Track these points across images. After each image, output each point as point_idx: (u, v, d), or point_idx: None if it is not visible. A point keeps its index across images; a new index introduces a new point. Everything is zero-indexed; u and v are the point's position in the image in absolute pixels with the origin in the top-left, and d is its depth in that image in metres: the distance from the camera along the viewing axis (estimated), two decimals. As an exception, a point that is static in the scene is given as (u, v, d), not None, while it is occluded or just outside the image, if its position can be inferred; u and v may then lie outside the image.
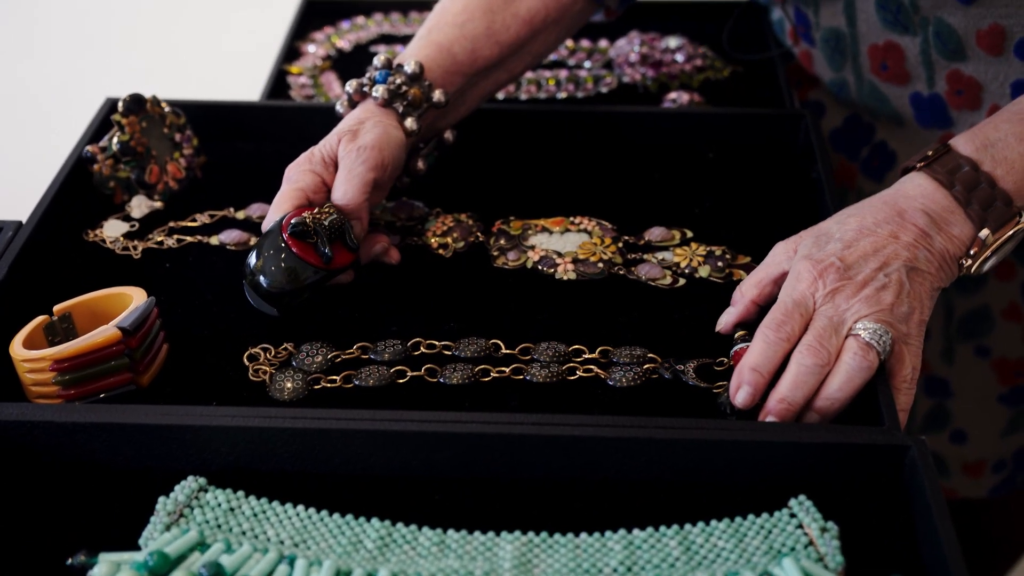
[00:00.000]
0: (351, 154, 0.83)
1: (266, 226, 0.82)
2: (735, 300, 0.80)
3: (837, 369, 0.72)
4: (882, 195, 0.79)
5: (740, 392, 0.73)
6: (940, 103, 0.99)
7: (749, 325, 0.79)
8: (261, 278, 0.79)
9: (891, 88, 1.01)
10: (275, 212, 0.82)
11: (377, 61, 0.89)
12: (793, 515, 0.66)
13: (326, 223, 0.80)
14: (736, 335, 0.78)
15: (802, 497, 0.66)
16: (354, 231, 0.82)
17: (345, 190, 0.82)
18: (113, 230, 0.92)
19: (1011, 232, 0.76)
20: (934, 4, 0.93)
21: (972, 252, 0.76)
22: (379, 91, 0.87)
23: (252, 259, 0.80)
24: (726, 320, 0.80)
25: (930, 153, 0.78)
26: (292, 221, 0.79)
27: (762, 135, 1.02)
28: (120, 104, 0.93)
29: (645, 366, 0.78)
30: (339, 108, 0.91)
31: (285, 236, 0.79)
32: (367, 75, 0.89)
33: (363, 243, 0.86)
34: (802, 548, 0.64)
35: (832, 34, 1.03)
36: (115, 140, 0.93)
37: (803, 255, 0.76)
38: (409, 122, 0.87)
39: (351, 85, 0.89)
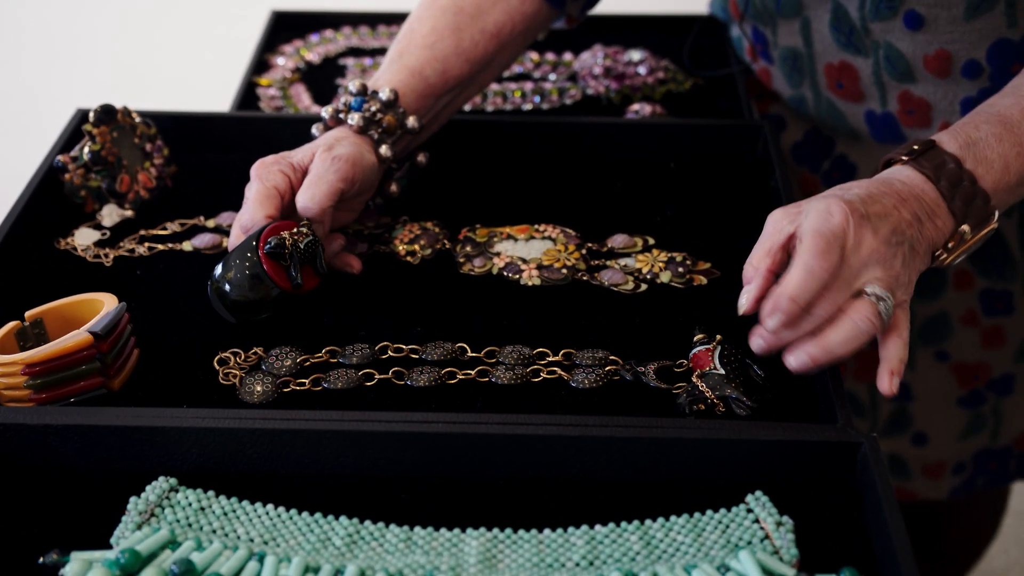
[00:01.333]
0: (324, 162, 0.85)
1: (240, 224, 0.83)
2: (748, 276, 0.76)
3: (843, 324, 0.72)
4: (877, 177, 0.79)
5: (772, 319, 0.72)
6: (893, 121, 1.02)
7: (706, 327, 0.81)
8: (227, 287, 0.80)
9: (847, 105, 1.04)
10: (252, 211, 0.83)
11: (352, 87, 0.90)
12: (750, 510, 0.68)
13: (302, 246, 0.81)
14: (696, 337, 0.80)
15: (758, 493, 0.68)
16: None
17: (313, 194, 0.83)
18: (84, 238, 0.93)
19: (986, 230, 0.78)
20: (883, 29, 0.96)
21: (949, 245, 0.78)
22: (354, 118, 0.89)
23: (220, 268, 0.81)
24: (749, 298, 0.75)
25: (916, 147, 0.79)
26: (270, 240, 0.80)
27: (722, 146, 1.05)
28: (91, 114, 0.95)
29: (607, 368, 0.80)
30: (315, 132, 0.92)
31: (260, 253, 0.80)
32: (342, 100, 0.91)
33: (333, 261, 0.88)
34: (758, 542, 0.66)
35: (790, 53, 1.06)
36: (86, 150, 0.94)
37: (827, 195, 0.75)
38: (384, 149, 0.89)
39: (327, 111, 0.90)
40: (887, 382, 0.74)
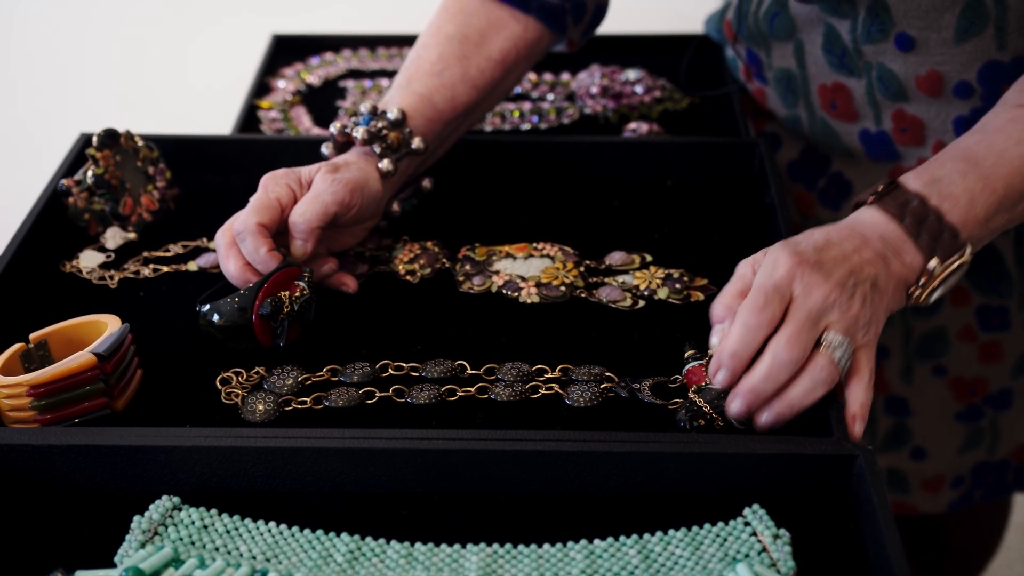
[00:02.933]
0: (324, 182, 0.86)
1: (232, 225, 0.84)
2: (718, 319, 0.78)
3: (803, 377, 0.73)
4: (840, 222, 0.81)
5: (719, 375, 0.74)
6: (887, 139, 1.03)
7: (703, 342, 0.82)
8: (214, 319, 0.81)
9: (841, 125, 1.05)
10: (245, 215, 0.84)
11: (363, 107, 0.92)
12: (747, 523, 0.69)
13: (297, 308, 0.82)
14: (687, 353, 0.81)
15: (756, 506, 0.69)
16: (296, 250, 0.85)
17: (305, 210, 0.85)
18: (89, 261, 0.94)
19: (957, 264, 0.79)
20: (875, 51, 0.97)
21: (921, 282, 0.79)
22: (359, 131, 0.90)
23: (207, 307, 0.82)
24: (717, 339, 0.78)
25: (880, 188, 0.81)
26: (266, 303, 0.80)
27: (718, 164, 1.06)
28: (95, 138, 0.96)
29: (603, 385, 0.80)
30: (324, 151, 0.94)
31: (255, 313, 0.81)
32: (351, 118, 0.93)
33: (328, 281, 0.89)
34: (756, 555, 0.66)
35: (784, 74, 1.07)
36: (90, 173, 0.95)
37: (778, 246, 0.77)
38: (384, 163, 0.90)
39: (335, 127, 0.92)
40: (851, 427, 0.75)
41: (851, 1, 0.95)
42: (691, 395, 0.77)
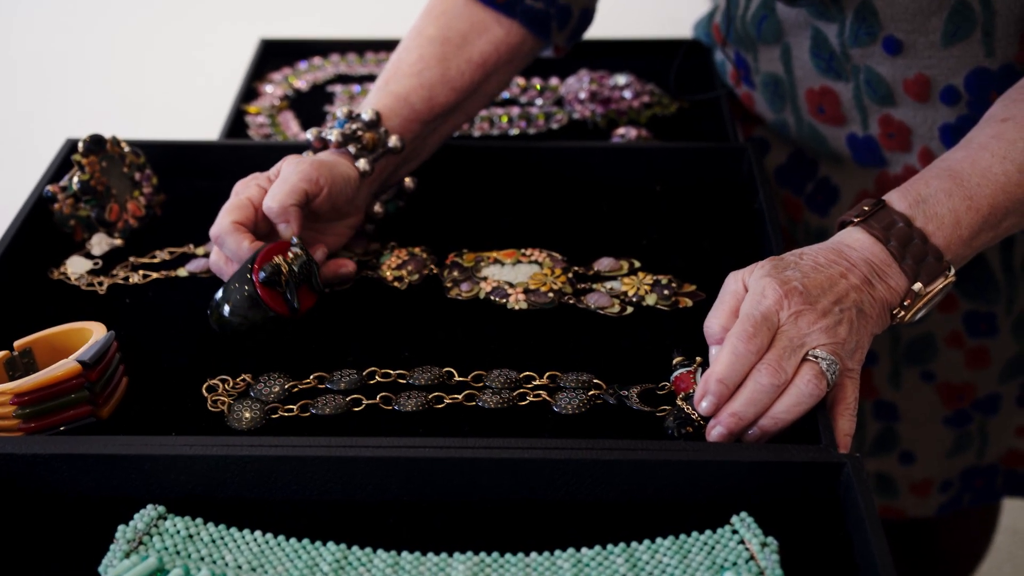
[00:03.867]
0: (290, 165, 0.88)
1: (212, 235, 0.85)
2: (713, 339, 0.78)
3: (788, 392, 0.74)
4: (827, 243, 0.82)
5: (704, 401, 0.74)
6: (874, 144, 1.03)
7: (691, 349, 0.82)
8: (227, 313, 0.82)
9: (828, 129, 1.05)
10: (219, 218, 0.85)
11: (340, 112, 0.92)
12: (735, 531, 0.68)
13: (296, 269, 0.82)
14: (675, 360, 0.81)
15: (743, 514, 0.69)
16: (283, 233, 0.85)
17: (274, 192, 0.86)
18: (77, 267, 0.94)
19: (941, 286, 0.79)
20: (863, 54, 0.97)
21: (905, 304, 0.79)
22: (334, 134, 0.90)
23: (219, 294, 0.83)
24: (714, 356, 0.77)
25: (866, 208, 0.81)
26: (264, 268, 0.81)
27: (707, 169, 1.06)
28: (80, 144, 0.95)
29: (590, 392, 0.80)
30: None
31: (256, 283, 0.81)
32: (328, 124, 0.93)
33: (327, 266, 0.89)
34: (743, 563, 0.66)
35: (771, 79, 1.07)
36: (75, 179, 0.95)
37: (764, 274, 0.77)
38: (361, 163, 0.90)
39: (311, 132, 0.92)
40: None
41: (839, 4, 0.95)
42: (679, 402, 0.77)
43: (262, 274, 0.81)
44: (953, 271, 0.80)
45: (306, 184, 0.86)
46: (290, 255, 0.83)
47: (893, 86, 0.98)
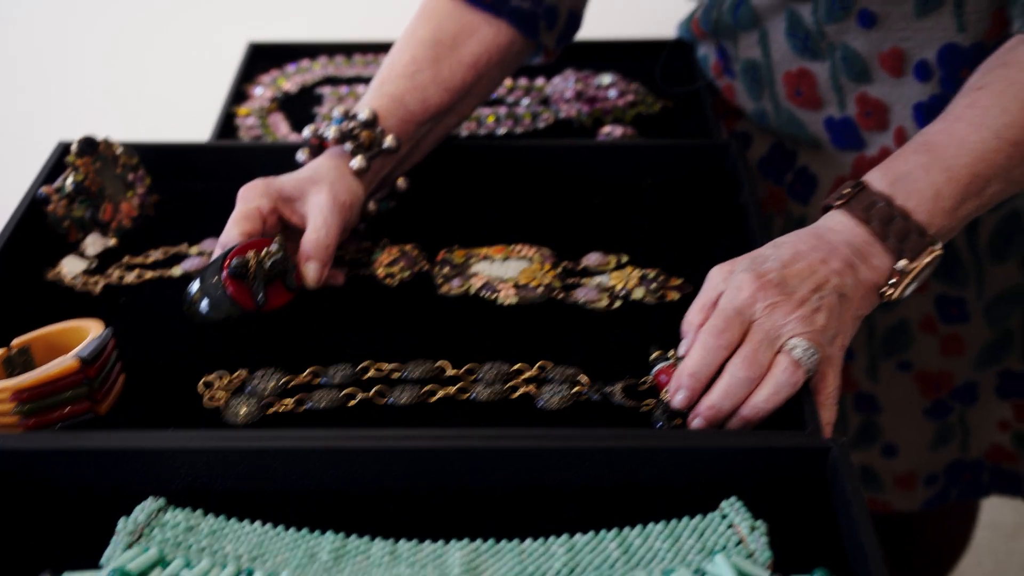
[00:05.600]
0: (327, 204, 0.87)
1: (219, 243, 0.85)
2: (686, 331, 0.81)
3: (766, 381, 0.75)
4: (809, 228, 0.83)
5: (678, 395, 0.76)
6: (851, 125, 1.05)
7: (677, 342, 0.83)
8: (196, 305, 0.83)
9: (806, 113, 1.07)
10: (228, 229, 0.85)
11: (336, 111, 0.93)
12: (724, 515, 0.70)
13: (267, 265, 0.83)
14: (653, 355, 0.82)
15: (733, 498, 0.70)
16: (310, 275, 0.86)
17: (320, 236, 0.86)
18: (71, 267, 0.95)
19: (927, 260, 0.80)
20: (839, 29, 0.99)
21: (892, 281, 0.80)
22: (331, 131, 0.92)
23: (193, 284, 0.83)
24: (684, 349, 0.79)
25: (846, 191, 0.82)
26: (233, 260, 0.82)
27: (691, 165, 1.07)
28: (74, 146, 0.96)
29: (574, 389, 0.81)
30: (300, 157, 0.95)
31: (223, 275, 0.82)
32: (324, 123, 0.94)
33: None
34: (733, 546, 0.68)
35: (749, 65, 1.09)
36: (70, 180, 0.96)
37: (742, 269, 0.79)
38: (356, 161, 0.91)
39: (308, 129, 0.93)
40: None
41: None
42: (663, 396, 0.78)
43: (230, 266, 0.82)
44: (940, 244, 0.81)
45: (342, 232, 0.88)
46: (263, 252, 0.83)
47: (868, 61, 0.99)
